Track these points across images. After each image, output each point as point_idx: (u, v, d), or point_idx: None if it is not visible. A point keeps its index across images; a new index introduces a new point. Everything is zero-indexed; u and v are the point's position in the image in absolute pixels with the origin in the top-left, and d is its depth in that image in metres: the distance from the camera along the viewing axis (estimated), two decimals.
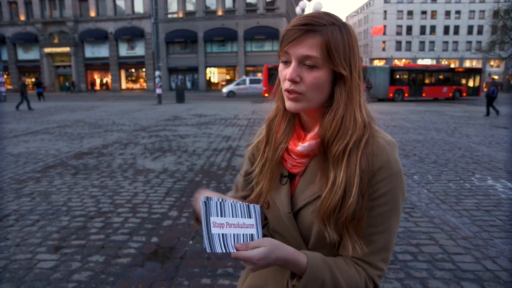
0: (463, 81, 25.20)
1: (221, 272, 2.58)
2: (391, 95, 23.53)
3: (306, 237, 0.84)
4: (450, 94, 24.75)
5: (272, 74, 24.13)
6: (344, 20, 0.78)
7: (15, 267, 2.65)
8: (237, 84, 26.13)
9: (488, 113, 13.71)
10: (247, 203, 0.75)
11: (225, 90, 25.93)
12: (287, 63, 0.79)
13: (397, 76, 24.09)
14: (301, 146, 0.83)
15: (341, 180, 0.75)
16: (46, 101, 22.12)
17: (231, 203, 0.75)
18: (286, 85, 0.78)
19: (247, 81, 25.78)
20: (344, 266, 0.77)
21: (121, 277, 2.51)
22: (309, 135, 0.83)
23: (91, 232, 3.26)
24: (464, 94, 25.08)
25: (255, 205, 0.76)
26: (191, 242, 3.07)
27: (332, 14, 0.77)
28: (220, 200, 0.74)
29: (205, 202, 0.73)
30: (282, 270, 0.87)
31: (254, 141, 0.99)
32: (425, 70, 25.22)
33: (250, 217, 0.76)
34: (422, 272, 2.60)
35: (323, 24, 0.74)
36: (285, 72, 0.78)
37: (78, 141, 7.93)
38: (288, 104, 0.80)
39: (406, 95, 23.89)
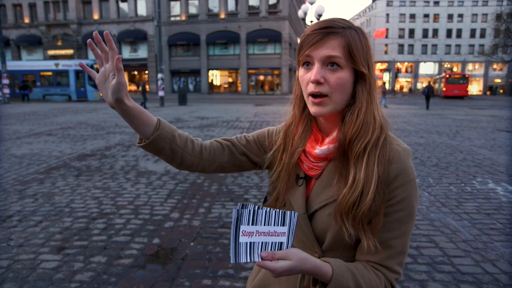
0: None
1: (222, 273, 2.60)
2: None
3: (320, 238, 0.86)
4: None
5: (450, 80, 30.52)
6: None
7: (18, 267, 2.68)
8: None
9: (427, 107, 18.65)
10: (284, 211, 0.75)
11: None
12: (309, 65, 0.80)
13: None
14: (319, 149, 0.83)
15: (361, 177, 0.77)
16: (54, 103, 22.31)
17: (266, 210, 0.73)
18: (310, 88, 0.79)
19: None
20: (365, 271, 0.79)
21: (123, 277, 2.54)
22: (328, 139, 0.84)
23: (93, 233, 3.29)
24: None
25: (293, 212, 0.75)
26: (192, 243, 3.09)
27: (346, 19, 0.80)
28: (255, 208, 0.73)
29: (238, 210, 0.71)
30: None
31: (279, 128, 0.99)
32: None
33: (283, 225, 0.75)
34: (422, 275, 2.61)
35: (341, 27, 0.77)
36: (307, 76, 0.79)
37: (81, 143, 7.99)
38: (314, 109, 0.80)
39: None
